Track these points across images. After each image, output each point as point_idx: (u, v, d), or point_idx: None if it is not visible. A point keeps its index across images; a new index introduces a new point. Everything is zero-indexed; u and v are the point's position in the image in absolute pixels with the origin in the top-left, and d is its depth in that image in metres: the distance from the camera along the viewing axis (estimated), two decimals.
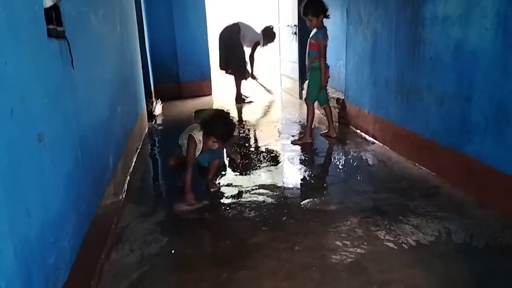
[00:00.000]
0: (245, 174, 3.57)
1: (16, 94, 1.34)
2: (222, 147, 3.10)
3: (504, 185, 2.56)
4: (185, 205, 2.89)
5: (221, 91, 7.98)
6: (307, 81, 4.48)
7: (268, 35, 6.97)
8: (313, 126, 5.01)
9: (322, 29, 4.22)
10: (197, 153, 3.03)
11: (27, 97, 1.43)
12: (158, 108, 6.12)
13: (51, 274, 1.51)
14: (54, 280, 1.54)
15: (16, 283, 1.23)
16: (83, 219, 2.01)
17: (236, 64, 6.76)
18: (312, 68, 4.32)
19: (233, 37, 6.66)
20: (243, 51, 6.85)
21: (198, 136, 2.97)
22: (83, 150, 2.11)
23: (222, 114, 3.03)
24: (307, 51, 4.35)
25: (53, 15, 1.79)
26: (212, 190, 3.20)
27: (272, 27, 7.05)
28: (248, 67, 7.16)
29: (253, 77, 7.41)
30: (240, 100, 6.95)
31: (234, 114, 6.23)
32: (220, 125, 2.91)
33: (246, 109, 6.55)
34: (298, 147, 4.30)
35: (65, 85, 1.91)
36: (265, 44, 7.00)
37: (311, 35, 4.27)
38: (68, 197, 1.80)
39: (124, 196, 3.11)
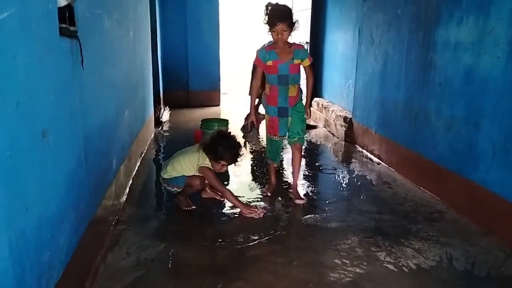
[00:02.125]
0: (248, 186, 3.55)
1: (23, 88, 1.34)
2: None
3: (509, 214, 2.52)
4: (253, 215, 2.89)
5: (230, 103, 8.01)
6: (288, 119, 3.17)
7: None
8: (319, 143, 5.01)
9: (302, 46, 3.26)
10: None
11: (34, 92, 1.43)
12: (165, 115, 6.14)
13: (45, 271, 1.49)
14: (48, 277, 1.52)
15: (8, 278, 1.21)
16: (81, 219, 1.99)
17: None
18: (299, 99, 3.22)
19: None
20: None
21: (208, 162, 2.93)
22: (87, 151, 2.11)
23: (224, 136, 2.97)
24: (281, 77, 3.06)
25: (66, 15, 1.81)
26: (218, 198, 3.20)
27: None
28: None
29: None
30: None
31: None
32: (227, 148, 2.88)
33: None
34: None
35: (73, 84, 1.92)
36: None
37: (293, 56, 3.04)
38: (68, 195, 1.79)
39: (125, 199, 3.10)
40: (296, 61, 3.06)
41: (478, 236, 2.63)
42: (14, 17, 1.26)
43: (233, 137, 2.99)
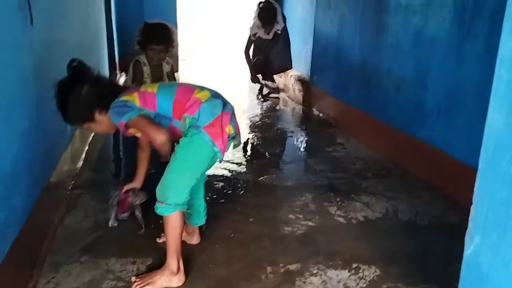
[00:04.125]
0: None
1: None
2: (164, 58, 2.98)
3: (450, 168, 2.70)
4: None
5: (188, 69, 7.90)
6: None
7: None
8: (278, 108, 5.04)
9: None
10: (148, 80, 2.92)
11: None
12: (122, 80, 6.01)
13: (1, 229, 1.51)
14: (4, 235, 1.53)
15: None
16: (36, 181, 1.99)
17: None
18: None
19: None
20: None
21: (143, 59, 2.88)
22: (40, 112, 2.08)
23: (146, 23, 2.92)
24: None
25: None
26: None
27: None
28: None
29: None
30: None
31: None
32: (153, 30, 2.84)
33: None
34: (260, 126, 4.36)
35: (23, 43, 1.87)
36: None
37: None
38: (22, 156, 1.78)
39: (81, 164, 3.08)
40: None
41: (422, 190, 2.82)
42: None
43: (161, 22, 2.93)
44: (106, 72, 5.17)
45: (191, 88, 1.83)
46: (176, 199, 1.74)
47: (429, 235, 2.29)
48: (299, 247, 2.13)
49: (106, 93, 1.77)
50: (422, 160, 2.98)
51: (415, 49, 3.05)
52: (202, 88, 1.85)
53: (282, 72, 5.48)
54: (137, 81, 2.89)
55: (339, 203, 2.61)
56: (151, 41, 2.83)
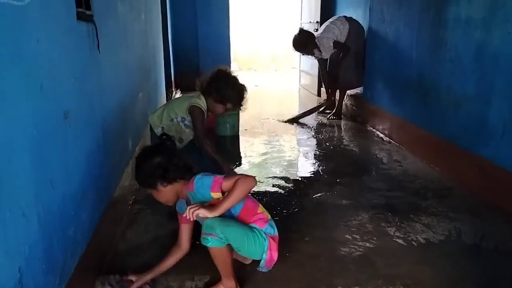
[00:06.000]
0: (259, 166, 3.62)
1: (46, 71, 1.41)
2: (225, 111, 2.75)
3: None
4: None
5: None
6: None
7: None
8: (329, 123, 4.98)
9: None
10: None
11: (55, 75, 1.50)
12: (177, 96, 6.21)
13: (70, 244, 1.59)
14: (73, 250, 1.61)
15: (38, 249, 1.30)
16: (101, 197, 2.09)
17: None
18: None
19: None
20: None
21: (202, 104, 2.65)
22: (105, 132, 2.19)
23: (228, 75, 2.69)
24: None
25: None
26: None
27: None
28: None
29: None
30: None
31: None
32: (236, 90, 2.64)
33: (262, 104, 6.58)
34: (313, 142, 4.33)
35: (91, 67, 1.99)
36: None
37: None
38: (89, 174, 1.87)
39: None
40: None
41: (487, 210, 2.68)
42: (36, 2, 1.32)
43: (237, 77, 2.75)
44: (163, 88, 5.36)
45: (256, 203, 2.05)
46: (226, 238, 1.78)
47: (497, 260, 2.16)
48: (357, 269, 2.08)
49: (173, 170, 1.83)
50: (486, 179, 2.84)
51: (477, 65, 2.93)
52: (262, 207, 2.06)
53: (348, 89, 5.41)
54: (201, 130, 2.66)
55: (398, 223, 2.52)
56: (232, 101, 2.66)
